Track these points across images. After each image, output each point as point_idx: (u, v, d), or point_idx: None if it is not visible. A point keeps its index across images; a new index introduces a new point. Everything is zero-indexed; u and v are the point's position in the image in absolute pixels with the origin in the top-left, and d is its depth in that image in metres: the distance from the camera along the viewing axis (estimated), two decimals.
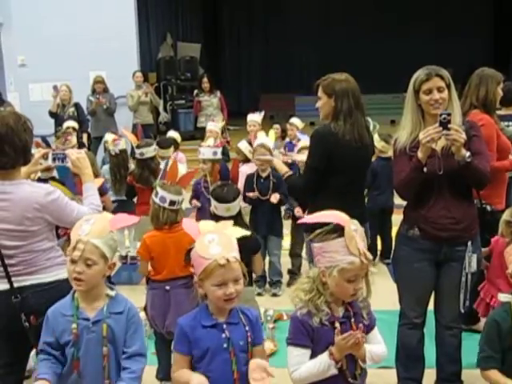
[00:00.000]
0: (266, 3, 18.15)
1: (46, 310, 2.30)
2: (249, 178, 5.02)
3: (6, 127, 2.58)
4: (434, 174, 2.87)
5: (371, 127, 4.28)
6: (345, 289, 2.14)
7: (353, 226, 2.12)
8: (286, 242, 5.44)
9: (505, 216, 3.29)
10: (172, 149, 6.17)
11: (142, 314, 3.66)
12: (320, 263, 2.16)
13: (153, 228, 3.49)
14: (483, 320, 3.30)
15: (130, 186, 5.41)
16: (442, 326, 3.16)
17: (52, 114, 9.17)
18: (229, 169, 5.63)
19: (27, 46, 10.29)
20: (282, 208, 5.77)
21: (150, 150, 5.35)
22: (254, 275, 4.28)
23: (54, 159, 2.96)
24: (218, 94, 9.75)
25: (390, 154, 4.88)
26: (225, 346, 2.07)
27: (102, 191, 4.32)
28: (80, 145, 7.49)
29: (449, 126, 2.73)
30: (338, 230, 2.12)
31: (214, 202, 3.60)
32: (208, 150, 5.23)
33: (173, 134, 7.06)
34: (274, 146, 5.36)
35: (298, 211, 4.94)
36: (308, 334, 2.16)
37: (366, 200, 4.45)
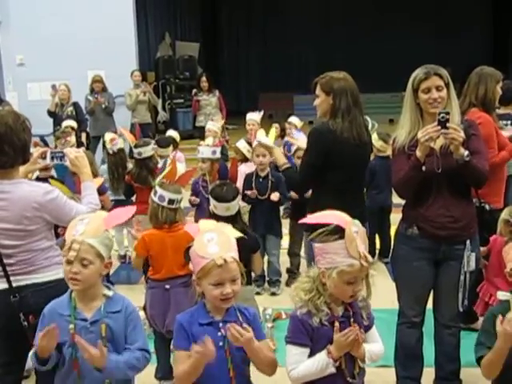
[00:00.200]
0: (264, 2, 18.15)
1: None
2: (247, 178, 5.02)
3: (5, 126, 2.58)
4: (433, 172, 2.87)
5: (370, 126, 4.28)
6: (344, 290, 2.14)
7: (354, 228, 2.11)
8: (285, 241, 5.44)
9: (503, 215, 3.30)
10: (171, 148, 6.17)
11: (142, 314, 3.67)
12: (320, 264, 2.16)
13: (151, 227, 3.49)
14: (482, 319, 3.30)
15: (128, 185, 5.41)
16: (441, 325, 3.16)
17: (50, 114, 9.16)
18: (228, 168, 5.64)
19: (25, 45, 10.29)
20: (281, 207, 5.78)
21: (148, 150, 5.35)
22: (253, 274, 4.29)
23: (52, 158, 2.96)
24: (217, 93, 9.75)
25: (389, 152, 4.89)
26: (221, 344, 2.07)
27: (101, 190, 4.32)
28: (79, 144, 7.48)
29: (447, 124, 2.74)
30: (339, 232, 2.11)
31: (213, 202, 3.60)
32: (207, 149, 5.24)
33: (172, 133, 7.07)
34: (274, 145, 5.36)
35: (293, 195, 4.90)
36: (307, 333, 2.16)
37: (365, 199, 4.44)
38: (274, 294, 5.01)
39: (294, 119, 7.30)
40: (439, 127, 2.74)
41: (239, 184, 4.91)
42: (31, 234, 2.62)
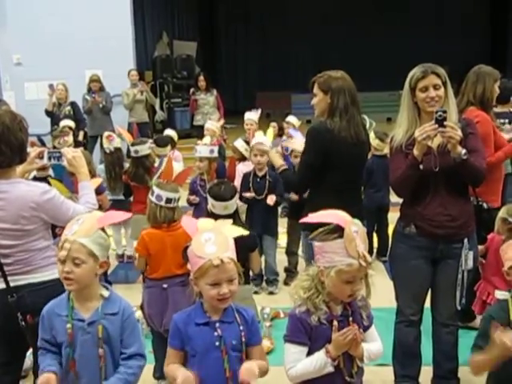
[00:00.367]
0: (262, 1, 18.12)
1: (42, 309, 2.28)
2: (245, 177, 5.02)
3: (2, 126, 2.58)
4: (430, 171, 2.87)
5: (368, 125, 4.28)
6: (342, 289, 2.14)
7: (354, 227, 2.11)
8: (283, 240, 5.44)
9: (501, 213, 3.31)
10: (169, 147, 6.17)
11: (139, 313, 3.67)
12: (319, 262, 2.16)
13: (150, 226, 3.49)
14: (479, 317, 3.31)
15: (126, 185, 5.41)
16: (439, 324, 3.16)
17: (48, 113, 9.15)
18: (225, 167, 5.64)
19: (23, 45, 10.27)
20: (279, 207, 5.77)
21: (145, 148, 5.35)
22: (250, 273, 4.29)
23: (49, 158, 2.95)
24: (215, 92, 9.75)
25: (386, 151, 4.89)
26: (217, 344, 2.07)
27: (99, 190, 4.31)
28: (77, 143, 7.47)
29: (445, 123, 2.74)
30: (339, 231, 2.11)
31: (211, 201, 3.60)
32: (204, 148, 5.24)
33: (170, 132, 7.07)
34: (272, 144, 5.36)
35: (293, 196, 4.91)
36: (306, 332, 2.16)
37: (362, 197, 4.45)
38: (271, 293, 5.02)
39: (291, 118, 7.30)
40: (436, 126, 2.75)
41: (237, 183, 4.91)
42: (28, 234, 2.61)
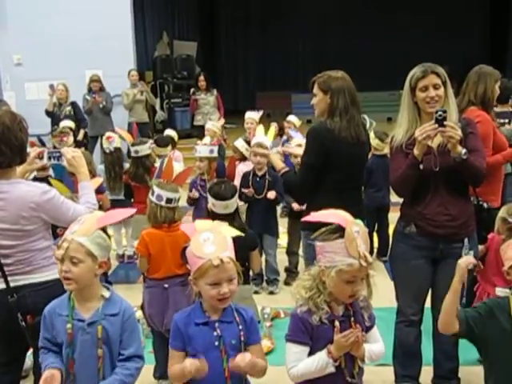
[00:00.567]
0: (262, 1, 18.13)
1: (42, 310, 2.29)
2: (245, 176, 5.03)
3: (2, 126, 2.58)
4: (430, 171, 2.87)
5: (368, 125, 4.28)
6: (343, 289, 2.14)
7: (355, 228, 2.11)
8: (283, 240, 5.44)
9: (501, 213, 3.30)
10: (169, 147, 6.18)
11: (140, 313, 3.67)
12: (320, 262, 2.16)
13: (150, 226, 3.49)
14: None
15: (126, 185, 5.41)
16: None
17: (48, 113, 9.15)
18: (225, 166, 5.64)
19: (23, 45, 10.26)
20: (279, 206, 5.78)
21: (145, 148, 5.36)
22: (251, 273, 4.29)
23: (49, 158, 2.95)
24: (215, 92, 9.75)
25: (386, 151, 4.89)
26: (216, 343, 2.07)
27: (99, 190, 4.31)
28: (79, 144, 7.48)
29: (445, 123, 2.74)
30: (340, 231, 2.11)
31: (211, 200, 3.60)
32: (204, 148, 5.24)
33: (170, 132, 7.07)
34: (273, 144, 5.36)
35: (295, 206, 4.93)
36: (307, 332, 2.16)
37: (363, 197, 4.45)
38: (272, 292, 5.02)
39: (292, 118, 7.30)
40: (436, 125, 2.75)
41: (236, 183, 4.92)
42: (29, 234, 2.61)
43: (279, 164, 3.55)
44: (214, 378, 2.08)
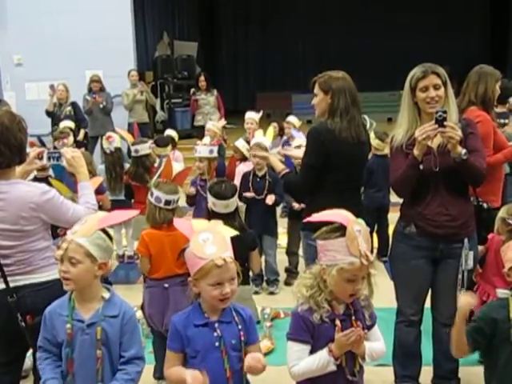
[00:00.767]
0: (262, 2, 18.14)
1: (42, 310, 2.29)
2: (245, 177, 5.03)
3: (1, 126, 2.58)
4: (430, 171, 2.87)
5: (368, 125, 4.28)
6: (343, 288, 2.14)
7: (357, 227, 2.12)
8: (283, 240, 5.44)
9: (500, 213, 3.30)
10: (169, 147, 6.18)
11: (140, 313, 3.67)
12: (322, 261, 2.17)
13: (149, 226, 3.48)
14: None
15: (127, 186, 5.41)
16: (439, 324, 3.16)
17: (48, 113, 9.15)
18: (225, 166, 5.64)
19: (23, 45, 10.27)
20: (279, 206, 5.77)
21: (145, 148, 5.36)
22: (250, 273, 4.28)
23: (49, 158, 2.95)
24: (215, 92, 9.75)
25: (386, 151, 4.89)
26: (216, 344, 2.07)
27: (100, 190, 4.31)
28: (78, 144, 7.47)
29: (445, 123, 2.74)
30: (341, 230, 2.12)
31: (212, 199, 3.60)
32: (204, 148, 5.24)
33: (170, 132, 7.07)
34: (272, 144, 5.36)
35: (295, 206, 4.93)
36: (308, 330, 2.17)
37: (362, 197, 4.45)
38: (272, 293, 5.02)
39: (292, 118, 7.29)
40: (436, 126, 2.75)
41: (236, 182, 4.91)
42: (28, 235, 2.61)
43: (279, 165, 3.55)
44: (216, 379, 2.07)
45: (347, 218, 2.15)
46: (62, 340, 2.21)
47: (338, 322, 2.14)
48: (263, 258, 4.95)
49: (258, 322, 4.14)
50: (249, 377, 2.20)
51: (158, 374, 3.49)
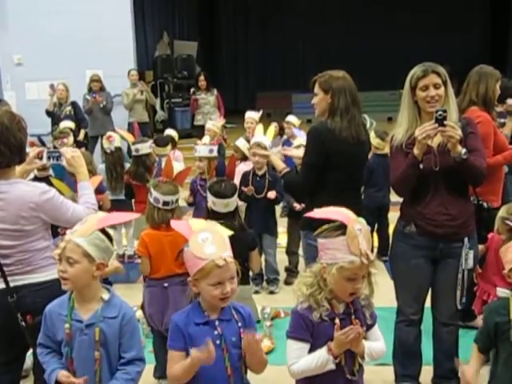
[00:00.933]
0: (262, 1, 18.13)
1: (42, 309, 2.29)
2: (245, 176, 5.03)
3: (1, 126, 2.58)
4: (430, 170, 2.87)
5: (368, 124, 4.28)
6: (343, 287, 2.14)
7: (358, 225, 2.12)
8: (283, 239, 5.44)
9: (501, 213, 3.30)
10: (169, 147, 6.18)
11: (140, 313, 3.67)
12: (322, 259, 2.17)
13: (149, 226, 3.48)
14: (480, 317, 3.31)
15: (128, 185, 5.41)
16: (439, 323, 3.16)
17: (49, 113, 9.14)
18: (225, 165, 5.63)
19: (23, 45, 10.27)
20: (279, 206, 5.77)
21: (146, 147, 5.36)
22: (250, 273, 4.28)
23: (48, 158, 2.94)
24: (215, 91, 9.74)
25: (386, 150, 4.89)
26: (217, 342, 2.07)
27: (100, 190, 4.31)
28: (78, 144, 7.47)
29: (445, 122, 2.74)
30: (342, 228, 2.12)
31: (212, 198, 3.59)
32: (204, 147, 5.24)
33: (170, 132, 7.07)
34: (273, 144, 5.35)
35: (296, 206, 4.94)
36: (308, 329, 2.17)
37: (363, 197, 4.45)
38: (272, 292, 5.02)
39: (291, 118, 7.29)
40: (436, 125, 2.75)
41: (236, 182, 4.91)
42: (28, 234, 2.61)
43: (280, 164, 3.55)
44: (217, 377, 2.08)
45: (348, 216, 2.15)
46: (61, 339, 2.21)
47: (337, 321, 2.15)
48: (263, 257, 4.95)
49: (258, 322, 4.15)
50: (249, 376, 2.20)
51: (159, 373, 3.50)
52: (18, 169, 2.77)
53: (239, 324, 2.12)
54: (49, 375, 2.22)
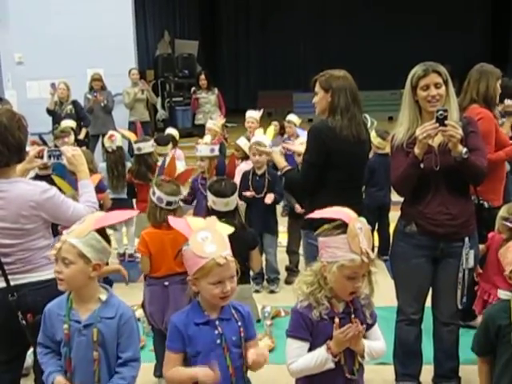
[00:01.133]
0: (263, 0, 18.12)
1: (42, 308, 2.29)
2: (245, 175, 5.03)
3: (0, 125, 2.57)
4: (431, 170, 2.87)
5: (369, 124, 4.28)
6: (344, 285, 2.14)
7: (358, 224, 2.12)
8: (284, 238, 5.44)
9: (501, 212, 3.30)
10: (170, 146, 6.18)
11: (140, 311, 3.67)
12: (322, 257, 2.17)
13: (150, 225, 3.48)
14: (480, 317, 3.30)
15: (130, 185, 5.40)
16: (440, 323, 3.16)
17: (49, 112, 9.14)
18: (225, 164, 5.64)
19: (24, 44, 10.26)
20: (280, 205, 5.76)
21: (148, 146, 5.37)
22: (251, 272, 4.28)
23: (49, 156, 2.94)
24: (216, 91, 9.74)
25: (387, 150, 4.88)
26: (218, 342, 2.07)
27: (100, 188, 4.31)
28: (80, 143, 7.47)
29: (445, 122, 2.74)
30: (343, 227, 2.13)
31: (211, 197, 3.60)
32: (205, 147, 5.24)
33: (171, 131, 7.07)
34: (273, 143, 5.35)
35: (298, 208, 4.94)
36: (307, 328, 2.18)
37: (364, 196, 4.45)
38: (272, 291, 5.02)
39: (292, 117, 7.29)
40: (437, 124, 2.74)
41: (237, 181, 4.91)
42: (28, 233, 2.61)
43: (282, 162, 3.55)
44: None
45: (349, 215, 2.16)
46: (60, 339, 2.21)
47: (336, 320, 2.15)
48: (264, 256, 4.95)
49: (259, 321, 4.15)
50: (249, 375, 2.20)
51: (159, 372, 3.49)
52: (19, 167, 2.77)
53: (239, 323, 2.12)
54: (46, 377, 2.22)
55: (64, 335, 2.18)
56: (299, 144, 4.92)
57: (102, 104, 9.33)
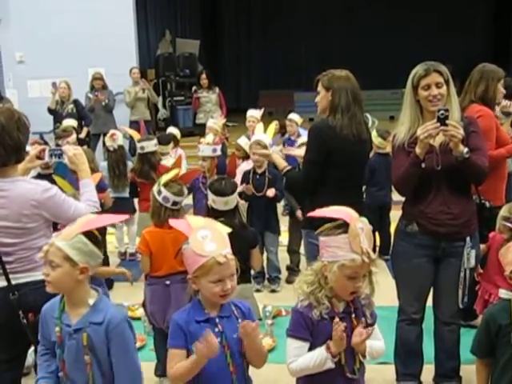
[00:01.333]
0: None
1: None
2: (245, 174, 5.03)
3: None
4: (432, 169, 2.87)
5: (370, 123, 4.28)
6: (344, 285, 2.14)
7: (360, 224, 2.12)
8: (285, 238, 5.44)
9: (502, 212, 3.29)
10: (171, 145, 6.17)
11: (141, 311, 3.67)
12: (323, 257, 2.17)
13: (152, 224, 3.49)
14: (481, 316, 3.30)
15: (133, 184, 5.40)
16: (441, 322, 3.16)
17: (51, 111, 9.15)
18: (226, 163, 5.63)
19: (25, 43, 10.28)
20: (280, 204, 5.75)
21: (151, 145, 5.36)
22: (252, 271, 4.28)
23: (50, 155, 2.94)
24: (217, 90, 9.74)
25: (388, 149, 4.88)
26: (218, 340, 2.07)
27: (101, 188, 4.31)
28: (81, 142, 7.48)
29: (447, 121, 2.74)
30: (344, 227, 2.12)
31: (211, 196, 3.60)
32: (207, 147, 5.23)
33: (172, 130, 7.07)
34: (273, 142, 5.35)
35: (299, 215, 4.93)
36: (308, 328, 2.18)
37: (364, 196, 4.45)
38: (273, 291, 5.02)
39: (293, 116, 7.28)
40: (438, 124, 2.74)
41: (237, 181, 4.91)
42: (30, 232, 2.61)
43: (282, 163, 3.55)
44: (219, 374, 2.08)
45: (350, 215, 2.16)
46: (54, 340, 2.19)
47: (336, 319, 2.14)
48: (265, 255, 4.95)
49: (260, 320, 4.15)
50: (250, 374, 2.20)
51: (160, 371, 3.50)
52: (20, 166, 2.76)
53: (239, 320, 2.12)
54: (35, 383, 2.22)
55: (56, 337, 2.16)
56: (300, 144, 4.94)
57: (103, 103, 9.34)
